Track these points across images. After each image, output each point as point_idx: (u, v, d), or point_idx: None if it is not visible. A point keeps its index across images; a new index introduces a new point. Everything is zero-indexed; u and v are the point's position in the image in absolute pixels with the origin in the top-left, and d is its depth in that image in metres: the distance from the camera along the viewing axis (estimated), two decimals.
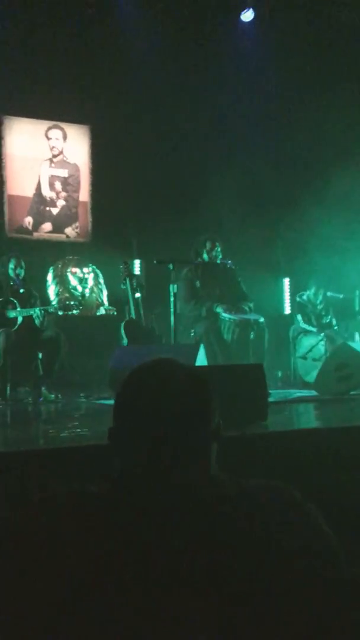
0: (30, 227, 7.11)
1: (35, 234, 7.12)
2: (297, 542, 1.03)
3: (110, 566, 0.98)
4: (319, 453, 2.43)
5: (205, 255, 5.02)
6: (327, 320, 6.45)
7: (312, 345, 6.02)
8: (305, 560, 1.02)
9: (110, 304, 6.72)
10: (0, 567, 1.01)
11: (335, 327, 6.36)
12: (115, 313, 6.45)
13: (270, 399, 3.51)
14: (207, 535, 1.00)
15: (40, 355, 4.82)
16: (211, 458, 1.11)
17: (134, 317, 5.15)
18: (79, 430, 2.82)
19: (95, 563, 0.98)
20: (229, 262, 5.05)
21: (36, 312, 4.81)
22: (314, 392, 4.80)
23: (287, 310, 7.59)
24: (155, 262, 4.83)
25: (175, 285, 4.69)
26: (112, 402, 3.93)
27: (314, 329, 6.34)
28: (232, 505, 1.03)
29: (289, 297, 7.62)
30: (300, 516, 1.06)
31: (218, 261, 5.01)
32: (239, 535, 1.01)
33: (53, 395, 4.66)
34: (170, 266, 4.68)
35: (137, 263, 6.90)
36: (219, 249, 5.07)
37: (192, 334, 4.85)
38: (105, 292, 6.87)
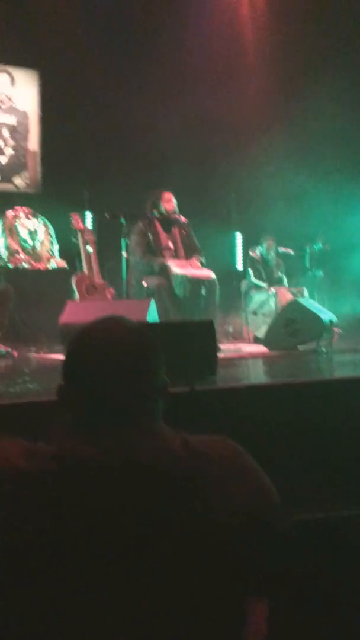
0: None
1: None
2: (239, 494, 1.07)
3: (59, 525, 1.00)
4: (266, 408, 2.51)
5: (162, 209, 4.98)
6: (278, 277, 6.55)
7: (262, 300, 6.13)
8: (246, 509, 1.07)
9: (61, 257, 6.63)
10: None
11: (285, 284, 6.46)
12: (67, 267, 6.38)
13: (221, 354, 3.58)
14: (153, 488, 1.03)
15: None
16: (157, 414, 1.14)
17: (85, 272, 5.11)
18: (30, 385, 2.82)
19: (44, 523, 1.00)
20: (181, 216, 5.03)
21: None
22: (263, 348, 4.91)
23: (239, 265, 7.65)
24: (107, 216, 4.77)
25: (127, 240, 4.67)
26: (62, 356, 3.91)
27: (265, 285, 6.43)
28: (175, 458, 1.06)
29: (241, 252, 7.68)
30: (242, 469, 1.11)
31: (171, 215, 4.97)
32: (183, 488, 1.04)
33: (3, 350, 4.62)
34: (123, 220, 4.64)
35: (88, 216, 6.80)
36: (176, 203, 5.04)
37: (145, 288, 4.85)
38: (56, 246, 6.77)
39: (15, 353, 4.65)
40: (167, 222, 5.04)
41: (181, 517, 1.03)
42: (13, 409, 2.17)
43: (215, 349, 3.00)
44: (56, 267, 6.49)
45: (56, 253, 6.69)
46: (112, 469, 1.03)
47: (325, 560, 1.14)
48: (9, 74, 7.13)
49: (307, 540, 1.15)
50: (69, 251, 6.02)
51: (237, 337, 6.43)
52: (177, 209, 5.04)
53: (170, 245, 5.02)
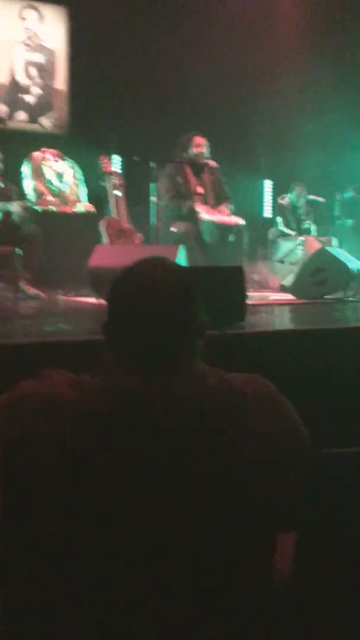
0: (4, 116, 6.85)
1: (10, 124, 6.88)
2: (272, 427, 1.14)
3: (106, 453, 1.06)
4: (293, 353, 2.58)
5: (191, 153, 4.96)
6: (307, 226, 6.51)
7: (290, 249, 6.12)
8: (278, 442, 1.13)
9: (89, 200, 6.64)
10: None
11: (314, 232, 6.44)
12: (94, 211, 6.40)
13: (248, 301, 3.63)
14: (193, 421, 1.09)
15: (19, 251, 4.84)
16: (196, 352, 1.20)
17: (113, 216, 5.14)
18: (61, 325, 2.90)
19: (92, 450, 1.06)
20: (212, 161, 5.00)
21: (15, 207, 4.77)
22: (290, 296, 4.95)
23: (266, 213, 7.60)
24: (136, 159, 4.76)
25: (156, 184, 4.67)
26: (90, 299, 4.01)
27: (293, 233, 6.41)
28: (214, 392, 1.12)
29: (270, 200, 7.61)
30: (274, 404, 1.17)
31: (202, 159, 4.95)
32: (220, 420, 1.10)
33: (32, 292, 4.72)
34: (152, 164, 4.63)
35: (116, 159, 6.77)
36: (207, 148, 5.01)
37: (173, 233, 4.89)
38: (83, 189, 6.77)
39: (44, 295, 4.75)
40: (197, 167, 5.02)
41: (218, 448, 1.08)
42: (48, 347, 2.26)
43: (244, 295, 3.05)
44: (84, 211, 6.51)
45: (84, 196, 6.70)
46: (155, 402, 1.09)
47: (352, 495, 1.21)
48: (37, 10, 7.00)
49: (335, 474, 1.23)
50: (96, 195, 6.03)
51: (263, 285, 6.46)
52: (208, 154, 5.00)
53: (200, 190, 5.01)
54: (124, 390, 1.10)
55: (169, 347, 1.15)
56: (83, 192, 6.73)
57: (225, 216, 4.88)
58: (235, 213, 5.14)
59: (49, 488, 1.06)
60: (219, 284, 2.94)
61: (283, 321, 3.84)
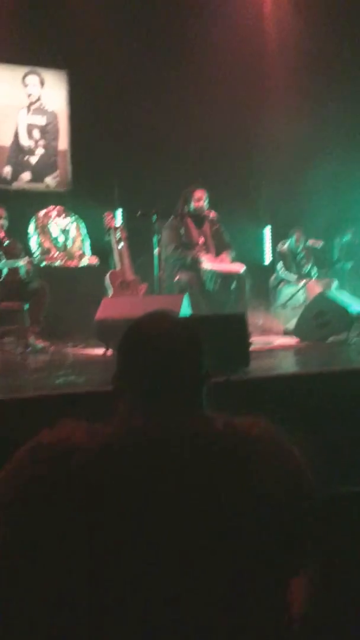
0: (9, 177, 7.09)
1: (15, 184, 7.11)
2: (277, 470, 1.18)
3: (120, 497, 1.10)
4: (299, 396, 2.63)
5: (191, 206, 5.12)
6: (307, 270, 6.63)
7: (292, 293, 6.22)
8: (283, 485, 1.17)
9: (92, 253, 6.79)
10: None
11: (314, 276, 6.54)
12: (98, 264, 6.54)
13: (252, 347, 3.70)
14: (201, 463, 1.14)
15: (26, 306, 4.94)
16: (202, 399, 1.26)
17: (118, 268, 5.27)
18: (72, 377, 2.97)
19: (107, 495, 1.11)
20: (212, 212, 5.16)
21: (23, 264, 4.91)
22: (294, 339, 5.01)
23: (268, 260, 7.74)
24: (139, 213, 4.92)
25: (159, 236, 4.81)
26: (98, 351, 4.06)
27: (294, 278, 6.52)
28: (220, 436, 1.18)
29: (270, 247, 7.76)
30: (279, 447, 1.22)
31: (203, 212, 5.11)
32: (226, 464, 1.15)
33: (41, 345, 4.80)
34: (154, 218, 4.78)
35: (119, 212, 6.96)
36: (207, 200, 5.17)
37: (177, 283, 5.00)
38: (87, 242, 6.94)
39: (52, 348, 4.83)
40: (199, 218, 5.18)
41: (227, 491, 1.13)
42: (60, 400, 2.32)
43: (248, 341, 3.12)
44: (88, 264, 6.66)
45: (88, 250, 6.86)
46: (165, 445, 1.15)
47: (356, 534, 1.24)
48: (39, 75, 7.31)
49: (339, 515, 1.26)
50: (100, 247, 6.17)
51: (267, 330, 6.53)
52: (207, 206, 5.16)
53: (201, 240, 5.14)
54: (137, 432, 1.16)
55: (176, 395, 1.21)
56: (87, 245, 6.90)
57: (226, 264, 5.00)
58: (237, 260, 5.26)
59: (66, 531, 1.10)
60: (223, 331, 3.01)
61: (287, 365, 3.91)
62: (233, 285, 4.84)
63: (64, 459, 1.13)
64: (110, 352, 4.19)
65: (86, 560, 1.10)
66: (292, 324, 5.78)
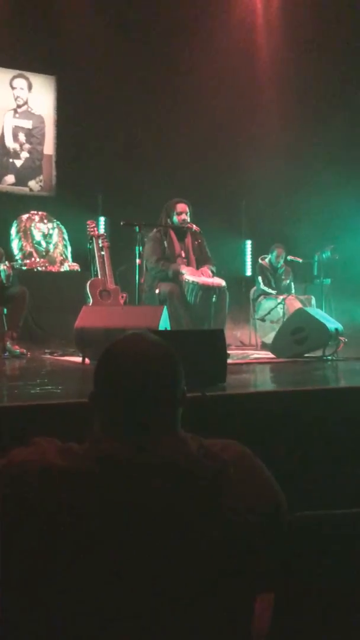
0: None
1: None
2: (249, 492, 1.20)
3: (93, 518, 1.12)
4: (273, 414, 2.66)
5: (174, 219, 5.16)
6: (286, 285, 6.70)
7: (271, 307, 6.27)
8: (255, 506, 1.19)
9: (74, 260, 6.79)
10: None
11: (293, 291, 6.61)
12: (79, 270, 6.54)
13: (229, 360, 3.73)
14: (174, 486, 1.16)
15: (5, 310, 4.93)
16: (178, 420, 1.28)
17: (99, 277, 5.28)
18: (49, 387, 2.97)
19: (80, 515, 1.12)
20: (194, 225, 5.20)
21: (3, 268, 4.89)
22: (270, 354, 5.06)
23: (249, 272, 7.79)
24: (122, 223, 4.94)
25: (141, 247, 4.83)
26: (77, 359, 4.03)
27: (273, 292, 6.58)
28: (193, 459, 1.20)
29: (250, 260, 7.82)
30: (251, 469, 1.24)
31: (186, 225, 5.14)
32: (200, 486, 1.17)
33: (18, 351, 4.79)
34: (137, 228, 4.81)
35: (102, 221, 6.98)
36: (190, 213, 5.21)
37: (157, 294, 5.02)
38: (69, 249, 6.93)
39: (29, 354, 4.82)
40: (181, 231, 5.22)
41: (199, 512, 1.15)
42: (36, 410, 2.31)
43: (225, 357, 3.15)
44: (69, 270, 6.65)
45: (69, 256, 6.86)
46: (137, 469, 1.16)
47: (326, 555, 1.27)
48: (27, 79, 7.32)
49: (309, 536, 1.28)
50: (82, 255, 6.19)
51: (245, 342, 6.57)
52: (190, 219, 5.20)
53: (183, 254, 5.18)
54: (111, 455, 1.18)
55: (153, 415, 1.23)
56: (69, 251, 6.90)
57: (208, 278, 5.04)
58: (218, 272, 5.31)
59: (38, 553, 1.11)
60: (201, 346, 3.04)
61: (263, 381, 3.93)
62: (213, 299, 4.87)
63: (34, 480, 1.15)
64: (88, 361, 4.19)
65: (52, 582, 1.11)
66: (269, 337, 5.83)
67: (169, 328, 4.39)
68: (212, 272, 5.18)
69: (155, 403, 1.24)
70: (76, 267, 6.66)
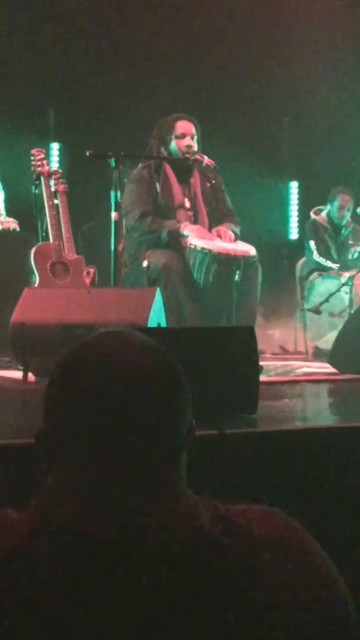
0: None
1: None
2: (294, 587, 1.21)
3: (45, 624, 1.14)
4: (332, 465, 2.67)
5: (173, 147, 5.14)
6: (356, 253, 6.70)
7: (330, 292, 6.26)
8: (304, 607, 1.20)
9: (9, 214, 6.79)
10: None
11: None
12: (17, 229, 6.53)
13: (263, 376, 3.73)
14: (176, 584, 1.16)
15: None
16: (181, 472, 1.28)
17: (50, 241, 5.28)
18: None
19: (25, 616, 1.14)
20: (206, 158, 5.18)
21: None
22: (329, 367, 5.06)
23: (294, 234, 7.79)
24: (88, 154, 4.93)
25: (119, 193, 4.83)
26: (15, 374, 4.04)
27: (335, 266, 6.58)
28: (208, 541, 1.20)
29: (296, 214, 7.81)
30: (296, 552, 1.24)
31: (192, 156, 5.13)
32: (218, 582, 1.17)
33: None
34: (112, 162, 4.80)
35: (54, 150, 6.98)
36: (197, 138, 5.19)
37: (145, 269, 5.02)
38: (1, 195, 6.94)
39: None
40: (184, 166, 5.20)
41: (211, 624, 1.15)
42: None
43: (257, 372, 3.16)
44: (1, 230, 6.65)
45: (2, 207, 6.86)
46: (115, 551, 1.17)
47: None
48: None
49: None
50: (22, 203, 6.19)
51: (287, 348, 6.58)
52: (199, 147, 5.19)
53: (187, 203, 5.18)
54: (70, 531, 1.18)
55: (139, 466, 1.23)
56: (1, 200, 6.89)
57: (227, 243, 5.03)
58: (245, 236, 5.31)
59: None
60: (218, 354, 3.04)
61: (317, 413, 3.94)
62: (236, 277, 4.87)
63: None
64: (32, 376, 4.20)
65: None
66: (327, 340, 5.83)
67: (164, 323, 4.39)
68: (235, 233, 5.18)
69: (145, 447, 1.24)
70: (12, 224, 6.65)
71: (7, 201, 6.82)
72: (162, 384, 1.28)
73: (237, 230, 5.25)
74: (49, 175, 5.48)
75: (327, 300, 6.23)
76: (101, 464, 1.23)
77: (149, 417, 1.25)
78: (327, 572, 1.27)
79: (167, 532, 1.20)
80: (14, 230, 6.57)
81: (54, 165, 6.65)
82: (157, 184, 5.13)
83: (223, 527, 1.22)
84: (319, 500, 2.49)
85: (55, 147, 7.05)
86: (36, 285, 5.13)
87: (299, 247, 7.13)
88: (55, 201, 5.42)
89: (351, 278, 6.19)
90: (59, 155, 7.03)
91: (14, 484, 1.98)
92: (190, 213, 5.19)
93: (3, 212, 6.83)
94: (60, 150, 7.06)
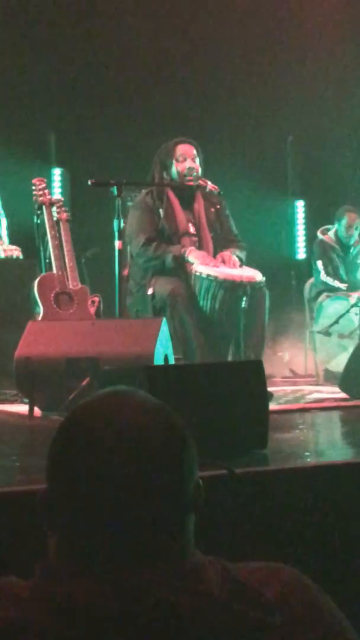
0: None
1: None
2: None
3: None
4: (351, 505, 2.64)
5: (173, 171, 5.15)
6: None
7: (339, 312, 6.26)
8: None
9: (12, 242, 6.79)
10: None
11: None
12: (21, 256, 6.54)
13: (272, 404, 3.72)
14: None
15: None
16: (188, 534, 1.27)
17: (54, 271, 5.29)
18: None
19: None
20: (209, 183, 5.18)
21: None
22: (339, 392, 5.04)
23: (301, 254, 7.78)
24: (90, 182, 4.93)
25: (122, 221, 4.83)
26: (21, 408, 4.02)
27: (343, 287, 6.57)
28: (218, 606, 1.19)
29: (303, 233, 7.80)
30: (312, 612, 1.23)
31: (195, 182, 5.13)
32: None
33: None
34: (114, 190, 4.80)
35: (56, 176, 6.99)
36: (199, 160, 5.20)
37: (150, 297, 5.02)
38: (3, 222, 6.95)
39: None
40: (187, 192, 5.21)
41: None
42: None
43: (265, 406, 3.13)
44: (3, 257, 6.65)
45: (4, 234, 6.87)
46: (123, 620, 1.15)
47: None
48: None
49: None
50: (24, 232, 6.19)
51: (297, 371, 6.56)
52: (201, 171, 5.20)
53: (192, 229, 5.18)
54: (74, 602, 1.17)
55: (145, 532, 1.23)
56: (3, 228, 6.90)
57: (232, 269, 5.03)
58: (252, 257, 5.31)
59: None
60: (225, 390, 3.02)
61: (331, 444, 3.91)
62: (243, 304, 4.86)
63: None
64: (39, 412, 4.20)
65: None
66: (337, 363, 5.81)
67: (171, 354, 4.38)
68: (240, 259, 5.17)
69: (151, 509, 1.23)
70: (15, 251, 6.65)
71: (10, 228, 6.84)
72: (163, 444, 1.27)
73: (243, 255, 5.26)
74: (51, 204, 5.49)
75: (336, 322, 6.23)
76: (103, 531, 1.22)
77: (151, 479, 1.24)
78: (342, 631, 1.25)
79: (174, 598, 1.18)
80: (17, 257, 6.58)
81: (56, 190, 6.67)
82: (160, 210, 5.13)
83: (233, 590, 1.21)
84: (335, 542, 2.46)
85: (57, 172, 7.07)
86: (40, 316, 5.12)
87: (307, 267, 7.12)
88: (58, 231, 5.43)
89: (359, 300, 6.20)
90: (61, 181, 7.05)
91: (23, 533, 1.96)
92: (195, 239, 5.20)
93: (6, 239, 6.84)
94: (62, 175, 7.08)
